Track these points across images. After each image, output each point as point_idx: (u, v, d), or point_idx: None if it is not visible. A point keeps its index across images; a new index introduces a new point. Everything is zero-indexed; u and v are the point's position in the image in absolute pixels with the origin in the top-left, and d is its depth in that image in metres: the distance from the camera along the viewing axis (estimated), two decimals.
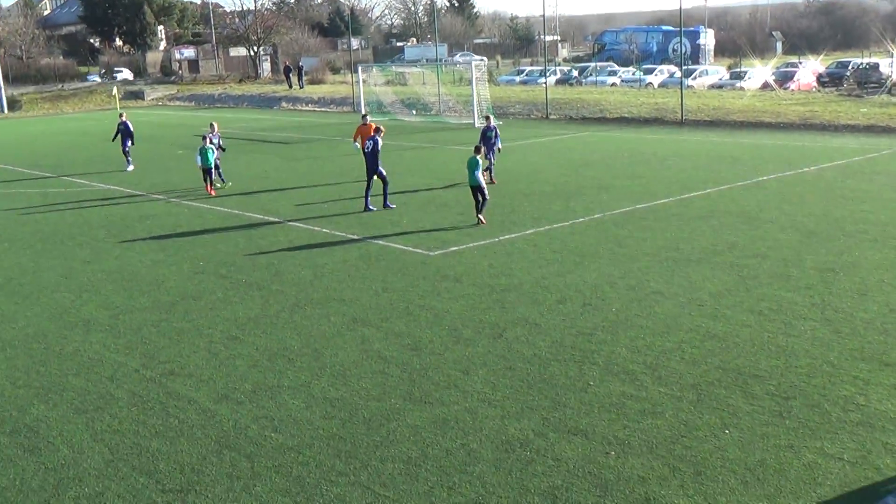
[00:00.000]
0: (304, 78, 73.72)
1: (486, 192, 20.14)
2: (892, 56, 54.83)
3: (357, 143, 25.53)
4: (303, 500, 8.45)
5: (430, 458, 9.15)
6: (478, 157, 20.02)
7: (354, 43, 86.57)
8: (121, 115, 32.15)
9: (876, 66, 53.84)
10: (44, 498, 8.68)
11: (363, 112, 36.94)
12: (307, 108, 60.58)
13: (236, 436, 9.84)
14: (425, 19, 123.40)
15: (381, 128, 23.47)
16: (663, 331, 12.60)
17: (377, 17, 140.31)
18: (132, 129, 31.70)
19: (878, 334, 12.09)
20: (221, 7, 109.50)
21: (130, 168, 31.54)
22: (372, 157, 22.16)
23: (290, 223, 21.22)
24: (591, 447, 9.27)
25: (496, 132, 25.71)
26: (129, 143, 31.50)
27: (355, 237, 19.27)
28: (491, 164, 25.50)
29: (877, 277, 14.70)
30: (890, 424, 9.46)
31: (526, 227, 19.58)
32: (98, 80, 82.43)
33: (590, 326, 12.92)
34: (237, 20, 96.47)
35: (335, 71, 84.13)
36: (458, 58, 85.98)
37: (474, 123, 43.06)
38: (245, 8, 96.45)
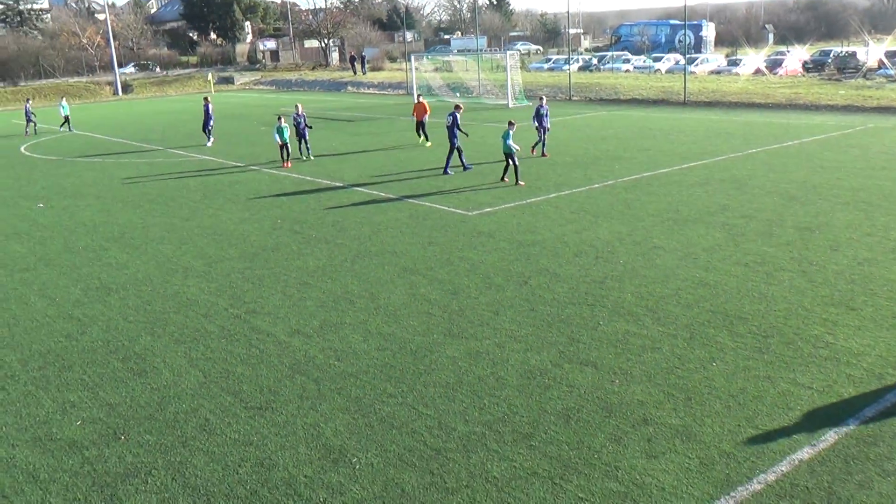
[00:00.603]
0: (367, 66, 73.27)
1: (517, 159, 20.06)
2: (867, 45, 52.97)
3: (414, 116, 28.34)
4: (359, 416, 8.56)
5: (464, 384, 9.20)
6: (510, 130, 19.89)
7: (408, 36, 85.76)
8: (205, 99, 32.10)
9: (854, 55, 52.09)
10: (150, 412, 8.90)
11: (416, 94, 36.98)
12: (368, 91, 60.26)
13: (306, 363, 9.96)
14: (468, 15, 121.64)
15: (460, 105, 23.63)
16: (663, 279, 12.46)
17: (428, 13, 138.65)
18: (211, 111, 31.31)
19: (846, 283, 11.85)
20: (298, 5, 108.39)
21: (210, 143, 31.30)
22: (449, 130, 22.50)
23: (353, 188, 21.23)
24: (600, 376, 9.25)
25: (547, 111, 24.75)
26: (211, 122, 31.30)
27: (407, 200, 19.25)
28: (543, 139, 24.81)
29: (847, 235, 14.36)
30: (853, 359, 9.31)
31: (550, 192, 19.40)
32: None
33: (601, 275, 12.82)
34: (311, 16, 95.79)
35: (392, 60, 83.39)
36: (518, 45, 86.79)
37: (508, 104, 42.63)
38: (317, 6, 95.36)
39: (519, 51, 68.41)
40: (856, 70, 48.48)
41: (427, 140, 28.53)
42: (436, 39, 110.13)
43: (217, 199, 20.55)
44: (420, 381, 9.34)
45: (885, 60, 46.88)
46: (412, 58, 50.92)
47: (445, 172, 22.39)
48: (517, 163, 20.17)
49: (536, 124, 24.57)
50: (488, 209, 17.84)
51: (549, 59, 71.37)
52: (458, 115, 22.70)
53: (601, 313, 11.19)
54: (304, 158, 26.25)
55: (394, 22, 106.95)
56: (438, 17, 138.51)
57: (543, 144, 24.77)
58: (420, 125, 28.52)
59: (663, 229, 15.40)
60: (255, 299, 12.43)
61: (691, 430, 7.97)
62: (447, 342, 10.42)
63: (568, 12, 55.15)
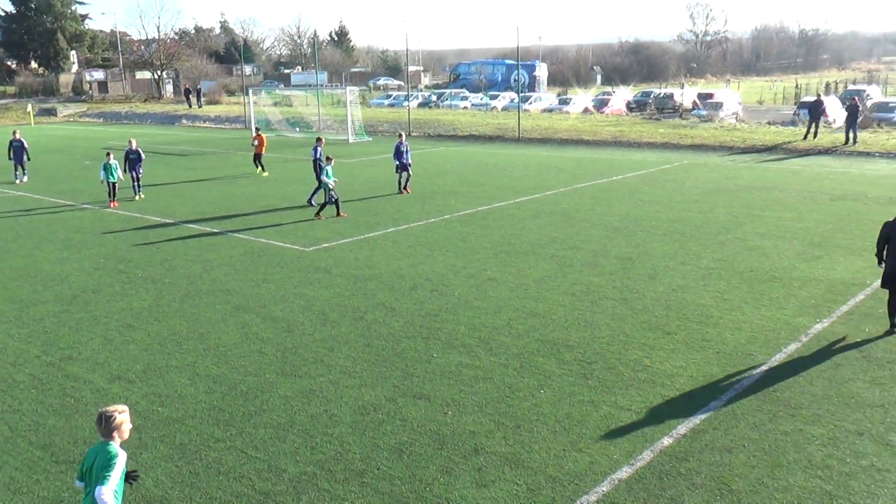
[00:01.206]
0: (203, 99, 71.35)
1: (335, 193, 20.63)
2: (683, 88, 57.36)
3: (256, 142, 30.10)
4: (184, 464, 8.19)
5: (296, 423, 9.03)
6: (328, 166, 20.43)
7: (247, 69, 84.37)
8: (14, 133, 29.87)
9: (671, 96, 56.24)
10: None
11: (255, 127, 37.42)
12: (205, 125, 58.60)
13: None
14: (309, 50, 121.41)
15: (321, 138, 24.23)
16: (495, 311, 12.82)
17: (268, 48, 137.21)
18: (26, 145, 29.01)
19: (662, 309, 12.66)
20: (129, 35, 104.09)
21: (24, 179, 29.12)
22: (315, 164, 22.79)
23: (185, 224, 20.50)
24: (433, 408, 9.34)
25: (407, 148, 24.55)
26: (25, 157, 28.92)
27: (242, 236, 18.80)
28: (408, 174, 24.73)
29: (663, 264, 15.37)
30: (668, 380, 9.92)
31: (387, 227, 19.55)
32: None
33: (436, 308, 13.02)
34: (143, 47, 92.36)
35: (230, 93, 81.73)
36: (381, 80, 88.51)
37: (349, 139, 42.75)
38: (150, 37, 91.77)
39: (381, 86, 68.90)
40: (673, 110, 52.33)
41: (263, 171, 29.88)
42: (276, 74, 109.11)
43: (32, 238, 19.22)
44: (250, 422, 9.08)
45: (698, 102, 50.92)
46: (250, 92, 50.15)
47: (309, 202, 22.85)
48: (336, 197, 20.64)
49: (397, 161, 24.46)
50: (325, 245, 17.74)
51: (390, 96, 72.41)
52: (318, 149, 23.08)
53: (435, 346, 11.35)
54: (136, 197, 24.86)
55: (232, 55, 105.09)
56: (278, 52, 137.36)
57: (407, 180, 24.73)
58: (257, 156, 30.07)
59: (497, 261, 15.87)
60: (71, 345, 11.66)
61: (520, 457, 8.19)
62: (280, 381, 10.21)
63: (407, 50, 56.30)
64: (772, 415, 8.94)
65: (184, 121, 61.65)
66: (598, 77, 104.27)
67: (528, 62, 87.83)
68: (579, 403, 9.37)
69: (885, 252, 11.44)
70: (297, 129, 48.16)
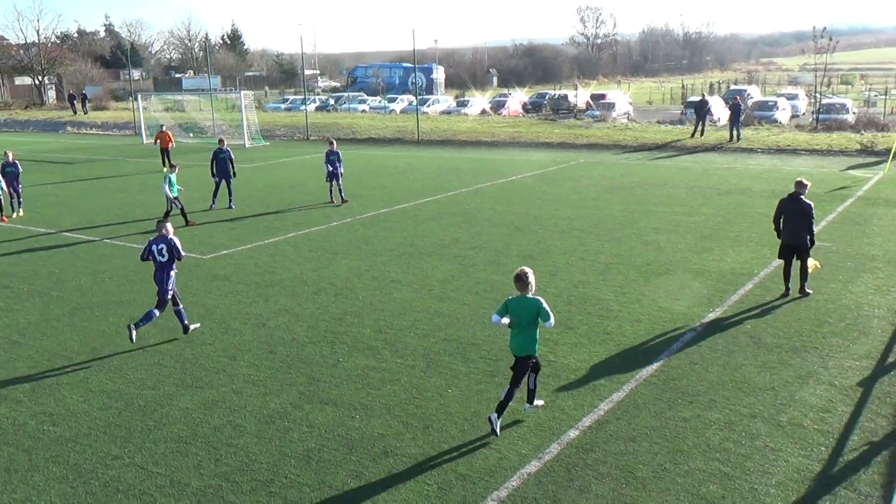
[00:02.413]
0: (88, 104, 68.55)
1: (180, 202, 20.33)
2: (577, 89, 58.80)
3: (158, 143, 32.17)
4: (79, 484, 7.81)
5: (199, 436, 8.75)
6: (171, 174, 20.25)
7: (135, 74, 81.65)
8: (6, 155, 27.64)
9: (565, 97, 57.58)
10: None
11: (161, 124, 37.01)
12: (91, 132, 56.20)
13: (14, 432, 8.93)
14: (200, 54, 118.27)
15: (223, 139, 24.24)
16: (400, 312, 12.78)
17: (157, 51, 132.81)
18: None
19: (564, 304, 12.91)
20: (6, 39, 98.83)
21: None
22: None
23: (73, 234, 19.59)
24: (340, 413, 9.23)
25: (338, 156, 22.95)
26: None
27: (135, 245, 18.09)
28: (340, 185, 23.00)
29: (564, 261, 15.69)
30: (572, 374, 10.12)
31: (288, 231, 19.23)
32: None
33: (340, 312, 12.88)
34: (21, 52, 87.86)
35: (118, 99, 78.80)
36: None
37: (245, 144, 41.86)
38: (29, 40, 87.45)
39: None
40: (568, 111, 53.60)
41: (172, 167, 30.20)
42: (166, 78, 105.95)
43: None
44: (149, 438, 8.74)
45: (591, 102, 52.32)
46: (139, 97, 48.51)
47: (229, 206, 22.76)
48: (182, 205, 20.30)
49: (330, 168, 22.85)
50: (224, 252, 17.30)
51: (287, 100, 71.38)
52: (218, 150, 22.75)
53: (341, 350, 11.22)
54: (15, 214, 22.67)
55: (118, 59, 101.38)
56: (168, 55, 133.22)
57: (339, 190, 23.02)
58: (164, 152, 31.65)
59: (400, 263, 15.84)
60: None
61: (429, 457, 8.18)
62: (180, 393, 9.87)
63: (302, 53, 55.60)
64: (671, 403, 9.24)
65: (69, 128, 58.98)
66: (495, 79, 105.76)
67: (426, 65, 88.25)
68: (487, 401, 9.43)
69: (781, 225, 12.94)
70: (191, 135, 46.82)
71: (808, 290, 13.04)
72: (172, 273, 11.58)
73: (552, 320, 8.45)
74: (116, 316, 12.94)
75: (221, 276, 15.30)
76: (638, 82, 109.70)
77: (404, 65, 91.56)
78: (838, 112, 41.37)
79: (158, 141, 32.36)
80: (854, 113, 42.30)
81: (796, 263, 13.00)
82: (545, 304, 8.45)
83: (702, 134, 37.15)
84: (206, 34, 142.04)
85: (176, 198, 20.28)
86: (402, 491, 7.56)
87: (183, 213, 20.34)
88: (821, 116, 40.31)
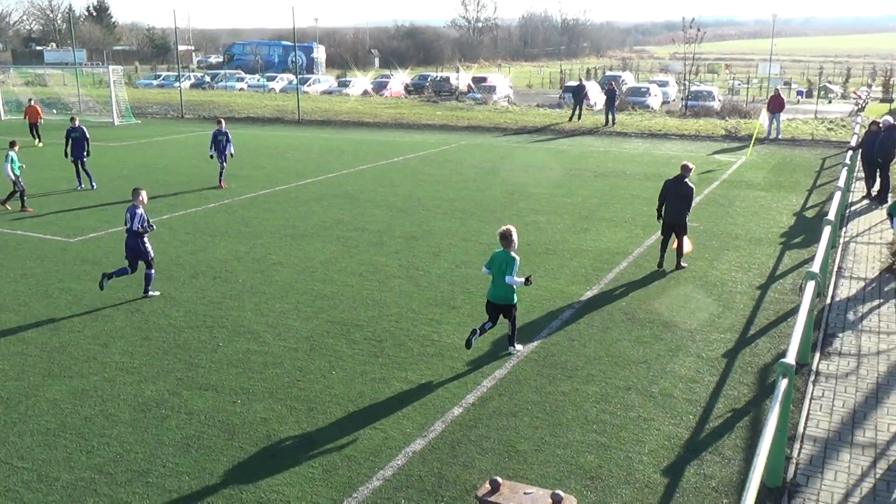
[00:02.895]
0: None
1: (22, 183, 18.91)
2: (458, 71, 59.26)
3: (27, 119, 31.80)
4: None
5: (68, 427, 8.35)
6: (11, 152, 18.77)
7: None
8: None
9: (447, 79, 57.97)
10: None
11: (29, 98, 36.23)
12: None
13: None
14: (64, 26, 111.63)
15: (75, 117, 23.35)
16: (282, 295, 12.58)
17: (15, 22, 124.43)
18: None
19: (447, 285, 13.05)
20: None
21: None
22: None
23: None
24: (221, 398, 9.02)
25: (228, 136, 21.97)
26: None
27: None
28: (223, 167, 21.97)
29: (447, 241, 15.84)
30: (455, 353, 10.26)
31: (162, 213, 18.52)
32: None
33: (219, 296, 12.55)
34: None
35: None
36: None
37: (114, 122, 39.99)
38: None
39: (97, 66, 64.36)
40: (450, 93, 53.96)
41: (39, 141, 30.89)
42: (26, 51, 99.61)
43: None
44: (14, 431, 8.27)
45: (473, 85, 52.87)
46: None
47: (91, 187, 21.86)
48: (23, 187, 18.89)
49: (213, 152, 21.88)
50: (93, 234, 16.50)
51: (159, 76, 68.57)
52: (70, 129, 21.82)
53: (221, 334, 10.94)
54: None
55: None
56: (28, 27, 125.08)
57: (221, 174, 21.99)
58: (33, 127, 31.42)
59: (281, 245, 15.57)
60: None
61: (314, 439, 8.12)
62: (47, 384, 9.38)
63: (175, 28, 53.36)
64: (551, 378, 9.52)
65: None
66: (377, 60, 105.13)
67: (306, 44, 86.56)
68: (371, 381, 9.44)
69: (663, 206, 13.69)
70: (55, 111, 44.22)
71: (683, 265, 13.86)
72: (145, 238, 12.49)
73: (513, 277, 9.72)
74: None
75: (90, 260, 14.60)
76: (518, 66, 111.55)
77: (284, 43, 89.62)
78: (705, 99, 43.49)
79: (27, 116, 31.89)
80: (720, 100, 44.56)
81: (676, 244, 13.80)
82: (516, 263, 9.78)
83: (579, 118, 38.23)
84: (70, 5, 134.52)
85: (18, 178, 18.76)
86: (287, 475, 7.47)
87: (21, 197, 18.99)
88: (689, 103, 42.28)
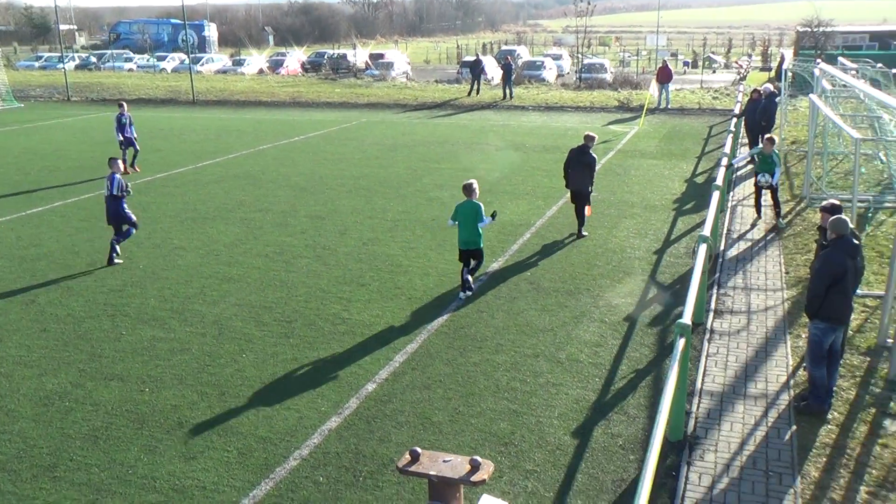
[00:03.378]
0: None
1: None
2: (355, 48, 58.58)
3: None
4: None
5: None
6: None
7: None
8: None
9: (345, 56, 57.22)
10: None
11: None
12: None
13: None
14: None
15: None
16: (186, 279, 12.27)
17: None
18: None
19: (355, 262, 13.01)
20: None
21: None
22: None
23: None
24: (128, 388, 8.77)
25: (129, 119, 21.21)
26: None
27: None
28: (135, 150, 21.27)
29: (353, 220, 15.76)
30: (366, 330, 10.27)
31: (54, 201, 17.71)
32: None
33: (120, 283, 12.13)
34: None
35: None
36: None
37: None
38: None
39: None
40: (347, 70, 53.32)
41: None
42: None
43: None
44: None
45: (370, 62, 52.40)
46: None
47: None
48: None
49: (120, 137, 20.99)
50: None
51: (41, 57, 65.03)
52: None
53: (124, 322, 10.61)
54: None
55: None
56: None
57: (134, 156, 21.24)
58: None
59: (183, 229, 15.15)
60: None
61: (227, 424, 8.01)
62: None
63: (56, 6, 50.69)
64: (462, 350, 9.66)
65: None
66: (271, 38, 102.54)
67: (196, 22, 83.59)
68: (283, 362, 9.36)
69: (568, 174, 14.19)
70: None
71: (584, 233, 14.21)
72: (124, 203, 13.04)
73: (485, 221, 11.14)
74: None
75: None
76: (415, 42, 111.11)
77: (173, 21, 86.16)
78: (598, 72, 44.46)
79: None
80: (611, 73, 45.65)
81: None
82: (482, 208, 11.16)
83: (478, 92, 38.48)
84: None
85: None
86: (202, 460, 7.35)
87: None
88: (583, 76, 43.14)
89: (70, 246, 14.11)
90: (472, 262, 11.43)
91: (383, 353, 9.57)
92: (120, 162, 13.53)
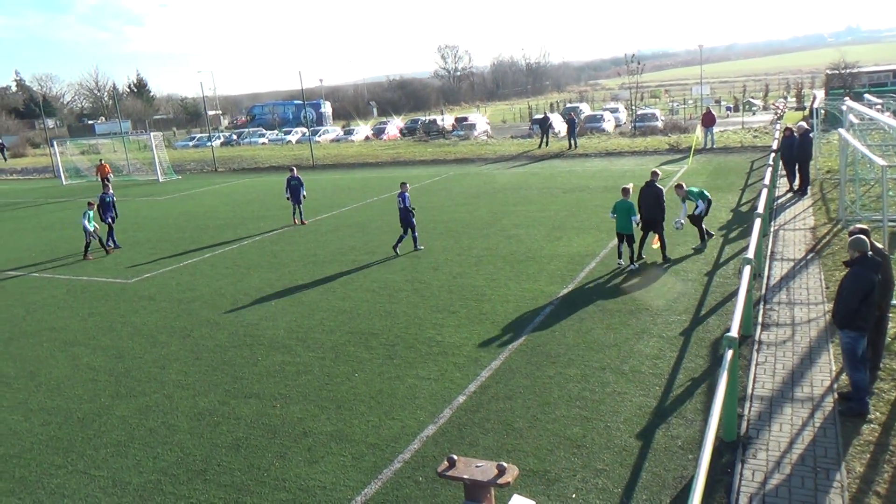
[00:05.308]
0: (7, 152, 63.73)
1: (92, 236, 18.85)
2: (443, 114, 59.37)
3: (98, 176, 35.51)
4: (26, 495, 7.30)
5: (136, 438, 8.34)
6: (90, 211, 18.69)
7: (49, 122, 76.44)
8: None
9: (435, 121, 58.04)
10: None
11: (99, 158, 39.22)
12: (12, 178, 52.16)
13: None
14: (110, 102, 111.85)
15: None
16: (309, 313, 12.58)
17: (69, 101, 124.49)
18: None
19: (446, 293, 13.06)
20: None
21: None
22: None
23: (3, 271, 18.19)
24: (263, 404, 9.01)
25: (300, 180, 21.57)
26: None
27: (63, 276, 17.01)
28: (300, 208, 21.60)
29: (444, 257, 15.86)
30: (457, 350, 10.26)
31: (204, 253, 18.54)
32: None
33: (256, 318, 12.55)
34: None
35: (35, 146, 73.51)
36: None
37: (159, 179, 40.07)
38: None
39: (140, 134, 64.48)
40: (438, 133, 54.08)
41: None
42: (80, 125, 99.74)
43: None
44: (90, 445, 8.26)
45: (456, 124, 52.98)
46: (55, 143, 45.59)
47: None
48: (98, 237, 19.27)
49: (288, 195, 21.31)
50: (147, 275, 16.50)
51: (194, 138, 68.68)
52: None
53: (259, 350, 10.94)
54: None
55: (32, 110, 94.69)
56: (80, 105, 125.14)
57: (301, 213, 21.59)
58: (105, 180, 33.34)
59: (305, 271, 15.58)
60: None
61: (343, 432, 8.11)
62: (115, 404, 9.37)
63: (203, 96, 53.62)
64: (538, 365, 9.52)
65: None
66: (374, 110, 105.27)
67: (314, 101, 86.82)
68: (388, 380, 9.44)
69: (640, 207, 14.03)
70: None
71: (668, 257, 14.05)
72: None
73: (637, 216, 13.55)
74: (51, 341, 12.13)
75: (146, 296, 14.60)
76: (493, 105, 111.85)
77: (296, 102, 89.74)
78: (650, 120, 43.59)
79: (98, 172, 35.72)
80: (662, 120, 44.68)
81: (656, 241, 14.06)
82: (634, 206, 13.50)
83: (546, 144, 38.31)
84: (114, 84, 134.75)
85: (95, 230, 19.06)
86: (322, 464, 7.47)
87: (102, 244, 19.44)
88: (637, 124, 42.38)
89: (217, 289, 14.71)
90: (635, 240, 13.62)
91: (471, 370, 9.53)
92: (407, 185, 16.57)
